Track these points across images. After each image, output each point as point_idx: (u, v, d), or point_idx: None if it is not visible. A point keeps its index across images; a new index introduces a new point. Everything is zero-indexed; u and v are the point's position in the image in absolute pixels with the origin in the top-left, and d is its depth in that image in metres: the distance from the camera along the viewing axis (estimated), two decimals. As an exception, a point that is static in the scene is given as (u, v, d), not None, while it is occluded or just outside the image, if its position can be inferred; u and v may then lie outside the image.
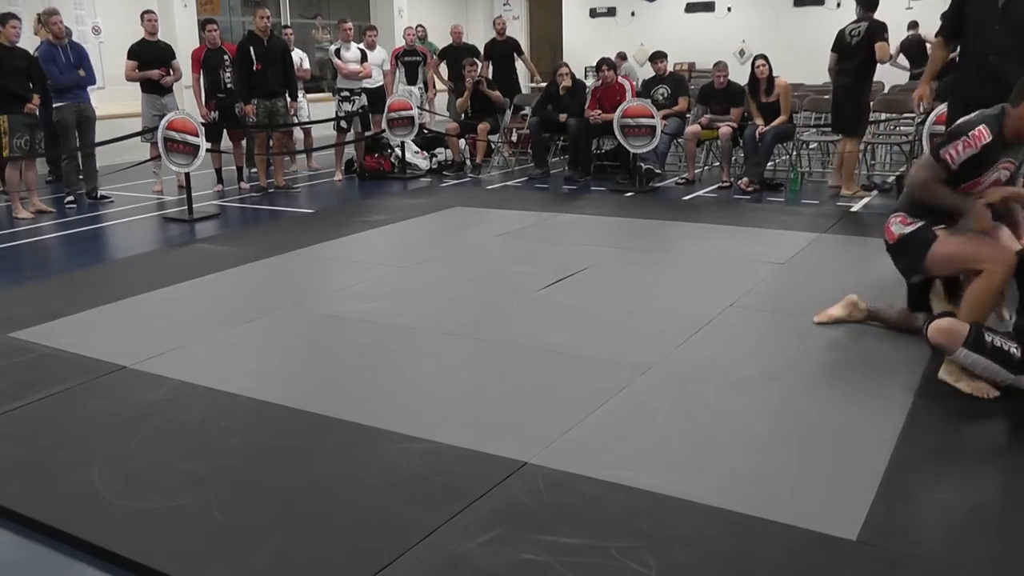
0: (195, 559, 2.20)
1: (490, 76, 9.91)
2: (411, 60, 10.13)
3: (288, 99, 8.21)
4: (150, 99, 8.10)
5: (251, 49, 7.83)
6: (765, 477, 2.54)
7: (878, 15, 7.02)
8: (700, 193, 7.69)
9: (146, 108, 8.15)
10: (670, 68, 8.94)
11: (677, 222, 6.40)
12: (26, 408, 3.14)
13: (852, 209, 6.73)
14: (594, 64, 11.85)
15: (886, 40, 6.86)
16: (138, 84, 8.11)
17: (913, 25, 11.35)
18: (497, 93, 9.61)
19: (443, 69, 10.27)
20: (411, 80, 10.11)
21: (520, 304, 4.37)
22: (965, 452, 2.68)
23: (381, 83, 9.30)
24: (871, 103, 7.54)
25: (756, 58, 7.73)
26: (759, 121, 7.61)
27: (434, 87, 10.31)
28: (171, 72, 8.08)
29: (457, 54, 9.86)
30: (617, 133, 7.78)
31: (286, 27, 10.08)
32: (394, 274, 5.09)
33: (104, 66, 9.09)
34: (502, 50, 10.01)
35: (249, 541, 2.26)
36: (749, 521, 2.29)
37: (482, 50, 10.16)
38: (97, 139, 7.84)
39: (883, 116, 8.43)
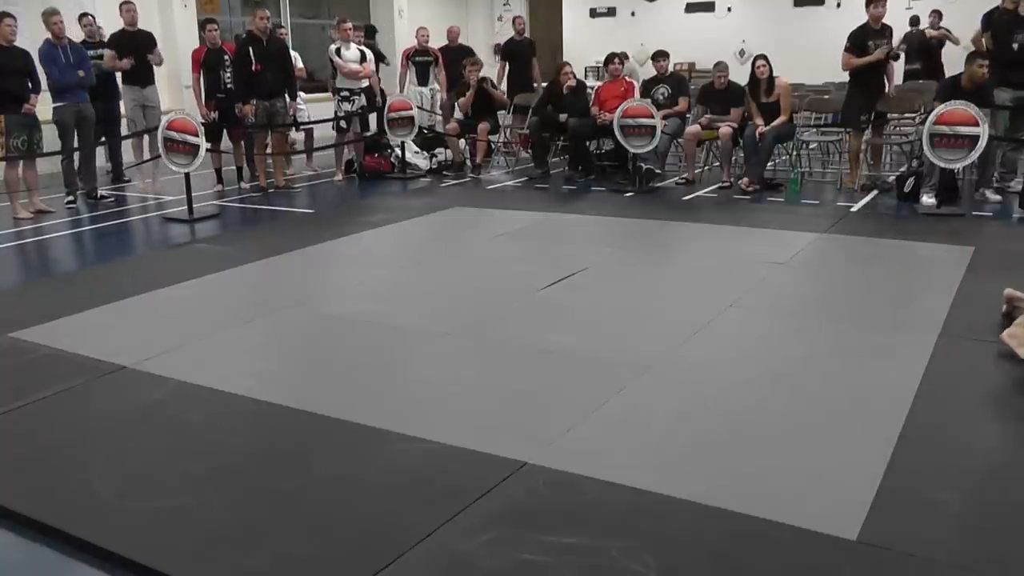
0: (195, 559, 2.20)
1: (506, 75, 9.98)
2: (422, 60, 10.04)
3: (287, 99, 8.21)
4: (130, 90, 8.14)
5: (250, 49, 7.83)
6: (765, 477, 2.54)
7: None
8: (700, 193, 7.68)
9: (126, 99, 8.20)
10: (670, 68, 8.94)
11: (677, 222, 6.40)
12: (26, 408, 3.14)
13: (852, 209, 6.73)
14: (594, 64, 11.83)
15: (846, 48, 7.34)
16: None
17: (937, 13, 11.32)
18: (499, 92, 9.60)
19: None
20: (423, 81, 10.05)
21: (520, 304, 4.37)
22: (965, 452, 2.68)
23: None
24: (869, 102, 7.55)
25: (756, 58, 7.72)
26: (759, 121, 7.61)
27: (444, 88, 10.27)
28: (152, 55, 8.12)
29: (453, 55, 9.86)
30: (617, 133, 7.77)
31: (280, 27, 10.03)
32: (394, 274, 5.08)
33: (104, 66, 9.09)
34: (519, 50, 10.03)
35: (249, 541, 2.26)
36: (749, 521, 2.28)
37: (495, 49, 10.19)
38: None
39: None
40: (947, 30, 11.18)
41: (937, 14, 11.34)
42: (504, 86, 9.99)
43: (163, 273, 5.06)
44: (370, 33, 10.66)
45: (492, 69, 10.57)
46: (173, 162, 7.13)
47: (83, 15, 8.38)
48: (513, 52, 10.02)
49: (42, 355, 3.69)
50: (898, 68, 10.93)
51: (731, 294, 4.38)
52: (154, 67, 8.28)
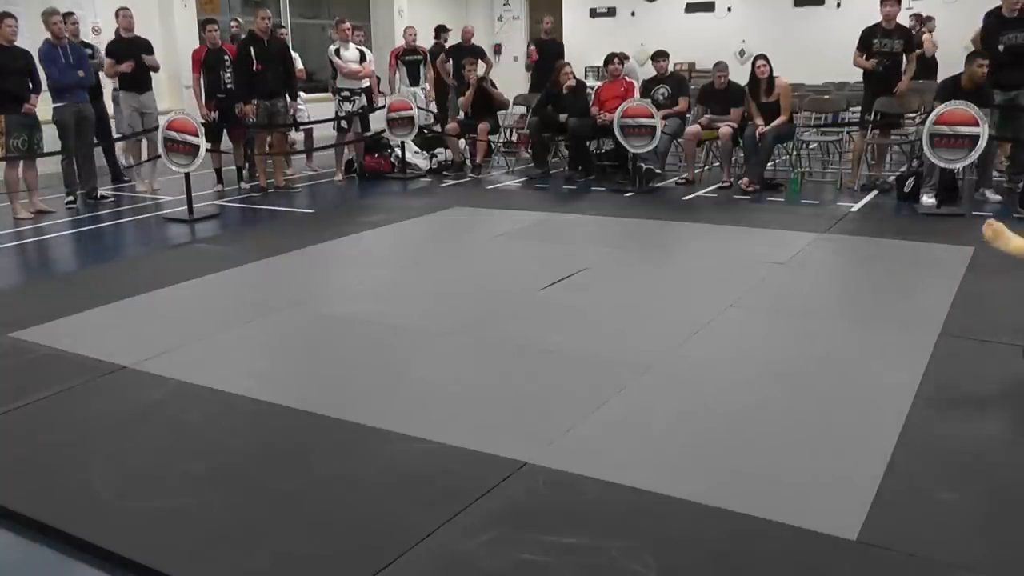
0: (195, 559, 2.20)
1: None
2: (412, 59, 10.05)
3: (288, 99, 8.21)
4: (128, 96, 8.11)
5: (251, 49, 7.82)
6: (765, 477, 2.54)
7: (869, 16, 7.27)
8: (700, 193, 7.68)
9: (124, 105, 8.16)
10: (670, 68, 8.93)
11: (677, 222, 6.40)
12: (26, 408, 3.14)
13: (852, 209, 6.73)
14: (594, 64, 11.84)
15: (856, 48, 7.49)
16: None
17: (917, 17, 11.08)
18: (500, 92, 9.60)
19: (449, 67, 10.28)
20: (414, 81, 10.04)
21: (520, 304, 4.37)
22: (965, 452, 2.68)
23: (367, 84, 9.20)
24: (870, 103, 7.58)
25: (756, 58, 7.72)
26: (759, 121, 7.61)
27: (432, 87, 10.27)
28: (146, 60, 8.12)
29: (463, 54, 9.86)
30: (617, 133, 7.76)
31: (280, 27, 10.02)
32: (394, 274, 5.08)
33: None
34: (547, 49, 10.15)
35: (249, 541, 2.26)
36: (749, 521, 2.28)
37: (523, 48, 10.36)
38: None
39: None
40: (928, 37, 10.67)
41: (917, 18, 11.00)
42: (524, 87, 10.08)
43: (163, 273, 5.06)
44: (439, 31, 10.78)
45: (497, 68, 10.58)
46: (173, 162, 7.12)
47: (67, 14, 8.25)
48: (543, 51, 10.18)
49: (42, 355, 3.69)
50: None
51: (731, 294, 4.38)
52: (151, 73, 8.25)
